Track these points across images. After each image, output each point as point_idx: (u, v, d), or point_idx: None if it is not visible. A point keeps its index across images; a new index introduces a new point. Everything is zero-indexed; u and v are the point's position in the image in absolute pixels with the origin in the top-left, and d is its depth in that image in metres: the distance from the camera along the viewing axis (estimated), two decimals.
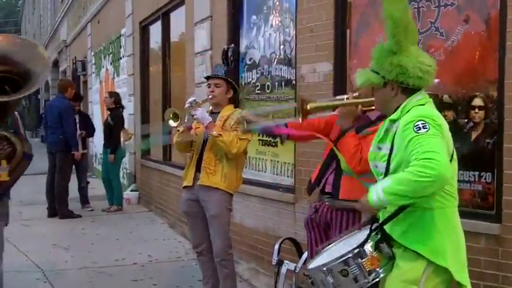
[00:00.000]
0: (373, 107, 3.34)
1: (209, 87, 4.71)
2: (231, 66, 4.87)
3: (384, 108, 2.92)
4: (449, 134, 2.73)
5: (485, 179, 3.83)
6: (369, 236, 2.80)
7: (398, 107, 2.80)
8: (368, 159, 3.05)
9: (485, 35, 3.88)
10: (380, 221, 2.84)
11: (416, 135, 2.57)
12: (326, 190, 3.73)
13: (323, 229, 3.72)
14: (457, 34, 3.98)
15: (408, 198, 2.59)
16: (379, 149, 2.85)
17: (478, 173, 3.87)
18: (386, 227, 2.80)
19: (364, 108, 3.57)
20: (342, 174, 3.60)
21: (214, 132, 4.44)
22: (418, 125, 2.60)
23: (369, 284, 2.77)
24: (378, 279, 2.77)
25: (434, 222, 2.70)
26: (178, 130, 4.68)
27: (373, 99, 3.16)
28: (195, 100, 4.64)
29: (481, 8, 3.91)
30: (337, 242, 3.13)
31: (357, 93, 3.56)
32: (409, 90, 2.80)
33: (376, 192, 2.65)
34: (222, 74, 4.71)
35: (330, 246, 3.12)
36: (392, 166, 2.74)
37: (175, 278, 6.01)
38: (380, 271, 2.75)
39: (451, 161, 2.68)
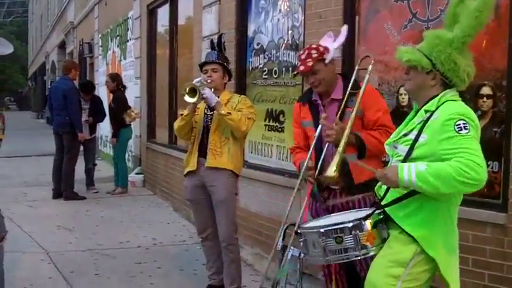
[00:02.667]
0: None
1: (206, 73, 4.67)
2: (224, 52, 4.85)
3: (416, 92, 2.90)
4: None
5: (492, 168, 3.81)
6: (372, 212, 2.84)
7: (431, 98, 2.79)
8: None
9: (494, 23, 3.84)
10: (384, 202, 2.86)
11: (458, 136, 2.60)
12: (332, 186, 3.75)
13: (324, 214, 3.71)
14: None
15: (437, 191, 2.60)
16: (405, 135, 2.85)
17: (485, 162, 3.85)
18: (388, 209, 2.81)
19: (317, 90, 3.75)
20: (347, 162, 3.59)
21: (223, 111, 4.43)
22: (459, 124, 2.61)
23: (357, 258, 2.84)
24: (366, 256, 2.82)
25: (436, 214, 2.73)
26: (182, 114, 4.66)
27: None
28: (201, 79, 4.62)
29: None
30: (336, 214, 3.29)
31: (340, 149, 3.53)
32: (447, 86, 2.82)
33: (409, 172, 2.65)
34: (217, 58, 4.68)
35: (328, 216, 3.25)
36: (415, 153, 2.74)
37: (179, 261, 6.03)
38: (371, 249, 2.80)
39: None
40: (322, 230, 2.84)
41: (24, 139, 20.33)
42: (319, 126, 3.69)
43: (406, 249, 2.72)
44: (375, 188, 3.07)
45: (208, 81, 4.59)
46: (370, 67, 3.60)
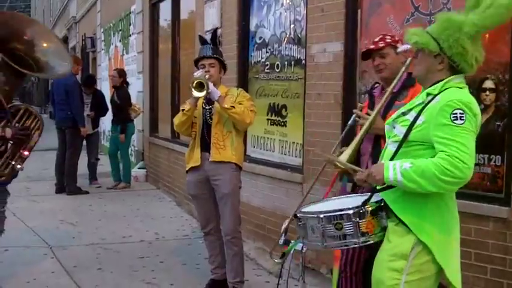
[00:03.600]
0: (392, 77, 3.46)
1: (203, 67, 4.65)
2: (220, 46, 4.83)
3: (423, 75, 2.86)
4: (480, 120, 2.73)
5: (494, 162, 3.81)
6: (370, 197, 2.84)
7: (437, 82, 2.77)
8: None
9: None
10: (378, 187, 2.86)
11: (452, 125, 2.58)
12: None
13: None
14: None
15: (422, 189, 2.60)
16: (404, 114, 2.83)
17: (487, 155, 3.85)
18: (382, 193, 2.81)
19: (384, 76, 3.67)
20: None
21: (227, 105, 4.43)
22: (456, 113, 2.59)
23: (356, 245, 2.82)
24: (365, 244, 2.81)
25: (428, 200, 2.70)
26: (183, 110, 4.64)
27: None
28: (204, 74, 4.61)
29: None
30: (335, 198, 3.28)
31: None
32: (455, 71, 2.78)
33: (394, 171, 2.65)
34: (217, 54, 4.66)
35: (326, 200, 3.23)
36: (412, 136, 2.72)
37: (182, 255, 6.04)
38: (371, 236, 2.79)
39: None
40: (321, 216, 2.82)
41: None
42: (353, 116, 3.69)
43: (404, 241, 2.71)
44: None
45: (207, 76, 4.57)
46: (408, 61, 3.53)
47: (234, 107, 4.44)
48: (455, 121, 2.57)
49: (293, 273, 4.11)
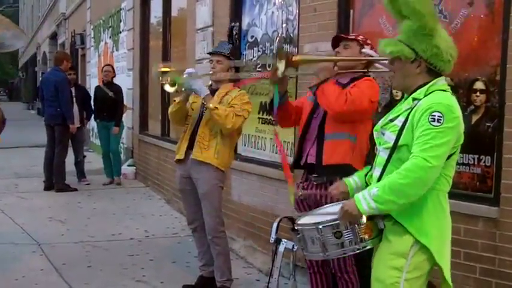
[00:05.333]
0: (347, 71, 3.66)
1: (211, 63, 4.69)
2: (236, 44, 4.84)
3: (402, 82, 2.89)
4: (463, 124, 2.75)
5: (484, 162, 3.84)
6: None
7: (420, 87, 2.80)
8: (354, 101, 3.39)
9: (488, 18, 3.87)
10: None
11: (428, 126, 2.62)
12: (309, 162, 3.79)
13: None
14: (460, 17, 3.96)
15: (401, 205, 2.65)
16: (391, 120, 2.85)
17: (477, 156, 3.88)
18: None
19: (338, 71, 3.71)
20: (323, 140, 3.67)
21: (211, 105, 4.42)
22: (434, 115, 2.63)
23: (357, 252, 2.84)
24: (364, 249, 2.82)
25: (425, 201, 2.73)
26: (175, 100, 4.67)
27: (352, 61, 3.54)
28: (195, 71, 4.63)
29: None
30: (328, 206, 3.28)
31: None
32: (433, 72, 2.81)
33: (366, 201, 2.69)
34: (226, 51, 4.68)
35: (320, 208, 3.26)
36: (402, 139, 2.75)
37: (172, 253, 6.04)
38: (369, 242, 2.81)
39: (453, 154, 2.74)
40: (320, 227, 2.84)
41: (15, 130, 20.13)
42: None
43: (403, 239, 2.74)
44: (366, 177, 3.07)
45: (211, 72, 4.60)
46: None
47: (217, 108, 4.42)
48: (432, 123, 2.62)
49: (283, 272, 4.12)
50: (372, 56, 3.74)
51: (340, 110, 3.52)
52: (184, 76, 4.53)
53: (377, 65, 3.79)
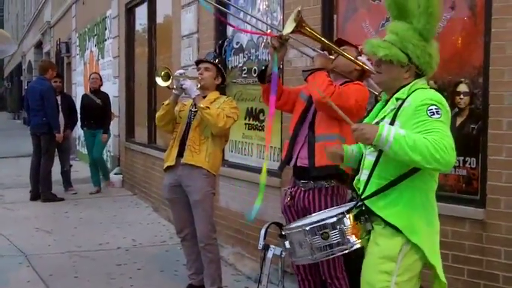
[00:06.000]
0: (341, 72, 3.70)
1: (198, 70, 4.70)
2: (223, 57, 4.88)
3: (389, 84, 2.90)
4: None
5: (469, 164, 3.86)
6: (355, 205, 2.86)
7: (402, 87, 2.82)
8: (341, 95, 3.41)
9: (471, 21, 3.90)
10: (363, 195, 2.87)
11: (431, 119, 2.62)
12: (299, 165, 3.78)
13: (302, 215, 3.74)
14: (443, 20, 3.98)
15: (408, 158, 2.58)
16: (377, 123, 2.84)
17: (462, 158, 3.89)
18: (367, 201, 2.83)
19: (334, 69, 3.77)
20: (314, 142, 3.67)
21: (202, 105, 4.43)
22: (431, 109, 2.64)
23: (344, 252, 2.83)
24: (351, 250, 2.82)
25: (414, 200, 2.75)
26: (163, 104, 4.66)
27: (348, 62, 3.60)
28: (184, 73, 4.65)
29: None
30: (316, 214, 3.30)
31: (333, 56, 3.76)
32: (418, 76, 2.85)
33: (388, 131, 2.61)
34: (213, 60, 4.71)
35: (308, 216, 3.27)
36: None
37: (160, 262, 6.00)
38: (357, 242, 2.81)
39: None
40: (307, 228, 2.84)
41: (1, 140, 20.10)
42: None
43: (393, 243, 2.74)
44: (353, 182, 3.06)
45: (199, 78, 4.61)
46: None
47: (209, 107, 4.43)
48: (432, 116, 2.63)
49: (272, 278, 4.10)
50: (367, 65, 3.77)
51: (327, 94, 3.51)
52: (175, 75, 4.55)
53: (371, 82, 3.81)
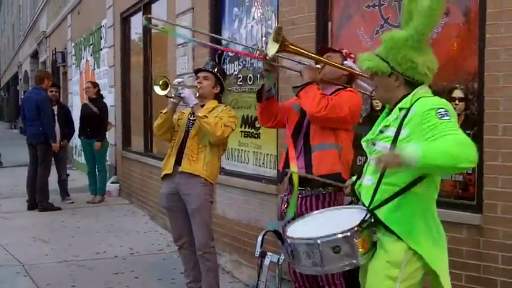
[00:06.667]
0: (329, 80, 3.70)
1: (197, 79, 4.70)
2: (222, 66, 4.89)
3: (384, 95, 2.93)
4: None
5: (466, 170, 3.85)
6: (365, 217, 2.79)
7: (403, 97, 2.83)
8: (334, 107, 3.43)
9: (465, 27, 3.91)
10: (371, 205, 2.83)
11: (442, 121, 2.59)
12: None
13: None
14: (437, 26, 4.00)
15: (441, 165, 2.51)
16: (381, 132, 2.85)
17: None
18: (377, 211, 2.80)
19: (323, 78, 3.75)
20: (311, 152, 3.67)
21: (200, 114, 4.43)
22: (440, 112, 2.62)
23: (355, 266, 2.77)
24: (360, 264, 2.77)
25: (415, 209, 2.74)
26: (161, 112, 4.67)
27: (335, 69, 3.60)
28: (183, 81, 4.66)
29: (461, 1, 3.93)
30: (318, 212, 3.23)
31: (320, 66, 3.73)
32: (412, 84, 2.84)
33: (411, 148, 2.53)
34: (212, 68, 4.71)
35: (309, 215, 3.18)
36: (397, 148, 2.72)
37: (157, 270, 5.99)
38: (365, 255, 2.75)
39: None
40: (319, 242, 2.73)
41: None
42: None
43: (397, 248, 2.73)
44: (355, 187, 3.05)
45: (198, 86, 4.62)
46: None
47: (207, 116, 4.43)
48: (442, 118, 2.60)
49: (270, 285, 4.10)
50: (353, 69, 3.78)
51: (319, 115, 3.52)
52: (173, 84, 4.55)
53: (360, 82, 3.82)
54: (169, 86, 4.45)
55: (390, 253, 2.75)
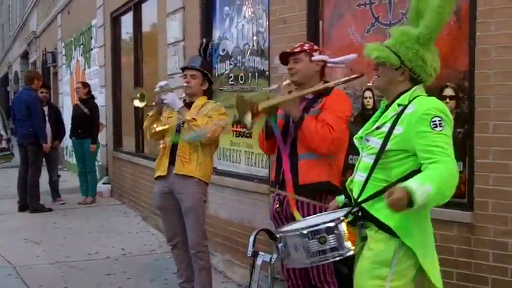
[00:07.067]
0: (302, 82, 3.71)
1: (185, 77, 4.68)
2: (208, 58, 4.83)
3: (385, 88, 2.93)
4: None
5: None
6: (351, 209, 2.84)
7: (402, 93, 2.84)
8: (338, 137, 3.47)
9: (455, 25, 3.91)
10: (360, 199, 2.86)
11: (433, 132, 2.64)
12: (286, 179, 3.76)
13: (291, 221, 3.73)
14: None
15: (440, 202, 2.62)
16: (378, 128, 2.86)
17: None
18: (365, 204, 2.83)
19: (294, 80, 3.75)
20: (297, 160, 3.66)
21: (188, 117, 4.41)
22: (435, 121, 2.66)
23: (340, 257, 2.79)
24: (346, 256, 2.78)
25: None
26: (148, 115, 4.65)
27: (311, 90, 3.56)
28: (167, 84, 4.62)
29: None
30: (313, 217, 3.25)
31: (288, 81, 3.73)
32: (415, 81, 2.87)
33: (422, 196, 2.49)
34: (198, 66, 4.67)
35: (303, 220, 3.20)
36: (390, 145, 2.76)
37: (149, 271, 5.98)
38: (352, 248, 2.77)
39: None
40: (305, 232, 2.80)
41: None
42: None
43: (386, 247, 2.73)
44: (346, 183, 3.06)
45: (185, 85, 4.60)
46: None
47: (195, 119, 4.41)
48: (435, 128, 2.65)
49: (262, 285, 4.09)
50: (326, 61, 3.79)
51: (328, 151, 3.58)
52: (156, 90, 4.52)
53: (331, 64, 3.82)
54: (146, 99, 4.45)
55: (377, 252, 2.75)
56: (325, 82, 3.79)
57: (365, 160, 2.89)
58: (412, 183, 2.49)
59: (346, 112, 3.72)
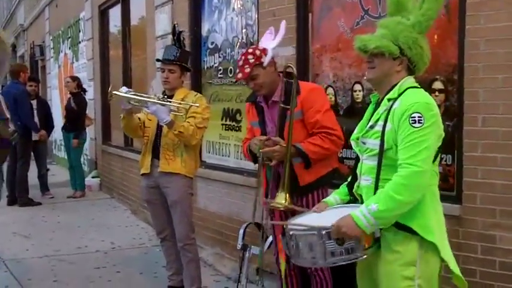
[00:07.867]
0: (269, 89, 3.72)
1: (163, 71, 4.60)
2: (183, 46, 4.74)
3: (381, 80, 2.86)
4: (440, 118, 2.75)
5: (445, 161, 3.88)
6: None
7: (394, 86, 2.80)
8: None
9: (445, 18, 3.91)
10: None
11: (411, 130, 2.62)
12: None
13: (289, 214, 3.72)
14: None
15: (405, 211, 2.64)
16: (372, 127, 2.82)
17: (438, 155, 3.91)
18: None
19: (267, 90, 3.74)
20: (292, 164, 3.65)
21: (176, 131, 4.36)
22: (414, 117, 2.63)
23: (358, 259, 2.74)
24: (362, 258, 2.74)
25: (424, 199, 2.71)
26: (121, 116, 4.60)
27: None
28: (129, 91, 4.47)
29: None
30: (326, 212, 3.09)
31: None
32: (410, 71, 2.84)
33: (366, 219, 2.62)
34: (176, 57, 4.57)
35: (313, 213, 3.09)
36: (387, 144, 2.73)
37: (139, 264, 5.97)
38: (369, 250, 2.72)
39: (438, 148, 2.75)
40: (323, 232, 2.69)
41: None
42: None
43: (408, 248, 2.71)
44: (353, 190, 2.98)
45: (163, 81, 4.57)
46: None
47: (182, 132, 4.34)
48: (413, 124, 2.62)
49: (251, 278, 4.11)
50: (274, 56, 3.79)
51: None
52: (113, 92, 4.40)
53: (274, 54, 3.78)
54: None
55: (402, 254, 2.72)
56: (280, 73, 3.78)
57: (367, 163, 2.84)
58: (356, 211, 2.66)
59: (327, 102, 3.79)
